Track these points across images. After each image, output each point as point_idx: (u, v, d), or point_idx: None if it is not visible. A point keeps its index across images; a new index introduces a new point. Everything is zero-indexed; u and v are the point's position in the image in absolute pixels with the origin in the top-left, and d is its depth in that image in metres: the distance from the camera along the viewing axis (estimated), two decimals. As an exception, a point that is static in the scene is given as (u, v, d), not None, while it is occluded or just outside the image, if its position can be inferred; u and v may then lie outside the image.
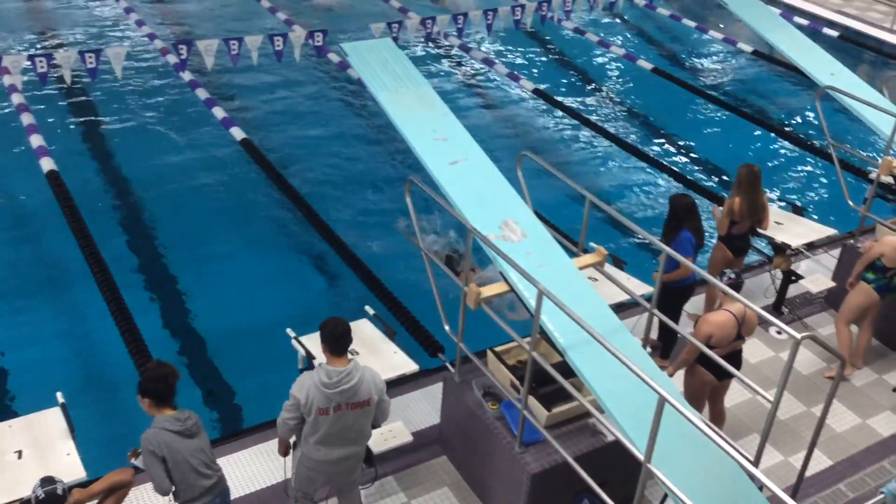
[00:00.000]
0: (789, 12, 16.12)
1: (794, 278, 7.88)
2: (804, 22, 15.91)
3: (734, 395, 6.66)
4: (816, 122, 9.23)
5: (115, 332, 7.07)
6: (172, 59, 10.52)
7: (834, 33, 15.69)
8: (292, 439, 5.13)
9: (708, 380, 5.98)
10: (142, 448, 4.55)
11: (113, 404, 7.06)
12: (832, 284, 7.86)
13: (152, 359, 6.64)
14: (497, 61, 13.70)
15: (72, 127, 11.48)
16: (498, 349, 5.91)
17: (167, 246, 9.27)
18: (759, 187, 7.43)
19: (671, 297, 7.00)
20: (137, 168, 10.63)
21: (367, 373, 4.90)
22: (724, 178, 11.05)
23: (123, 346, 6.91)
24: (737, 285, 5.87)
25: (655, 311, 5.70)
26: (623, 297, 6.14)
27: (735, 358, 5.98)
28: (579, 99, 13.01)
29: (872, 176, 7.99)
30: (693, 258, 6.75)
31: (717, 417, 6.34)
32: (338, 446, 4.93)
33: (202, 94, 11.76)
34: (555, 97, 12.77)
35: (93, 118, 11.75)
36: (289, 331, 5.98)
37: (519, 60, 14.17)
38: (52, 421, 5.24)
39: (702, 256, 7.96)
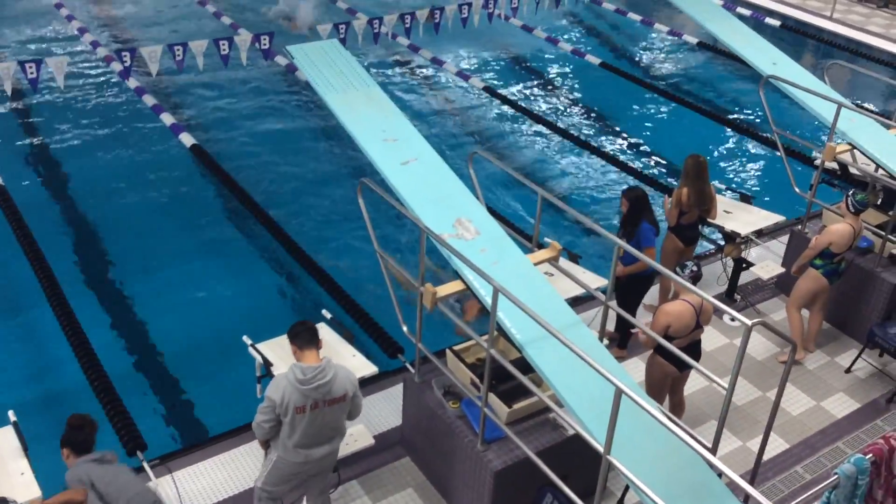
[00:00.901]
0: (732, 3, 16.38)
1: (744, 266, 8.01)
2: (746, 12, 16.19)
3: (691, 384, 6.75)
4: (761, 111, 9.40)
5: (67, 346, 6.94)
6: (117, 66, 10.34)
7: (776, 23, 16.00)
8: None
9: (669, 371, 6.05)
10: (69, 484, 4.47)
11: (62, 419, 6.89)
12: (782, 270, 8.01)
13: (105, 374, 6.58)
14: (446, 60, 13.71)
15: (16, 140, 11.22)
16: (457, 348, 5.91)
17: (118, 257, 9.10)
18: (706, 177, 7.53)
19: (633, 288, 7.18)
20: (85, 178, 10.43)
21: (341, 370, 4.93)
22: (673, 168, 11.18)
23: (76, 362, 6.79)
24: (696, 278, 5.93)
25: (611, 304, 5.75)
26: (579, 290, 6.18)
27: (695, 348, 6.05)
28: (529, 95, 13.08)
29: (817, 162, 8.15)
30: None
31: (677, 407, 6.41)
32: (317, 446, 4.94)
33: (149, 100, 11.62)
34: (505, 94, 12.82)
35: (37, 129, 11.50)
36: (245, 338, 5.91)
37: (468, 59, 14.19)
38: (4, 440, 5.11)
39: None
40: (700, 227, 7.93)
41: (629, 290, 7.17)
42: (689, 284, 5.31)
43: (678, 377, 6.19)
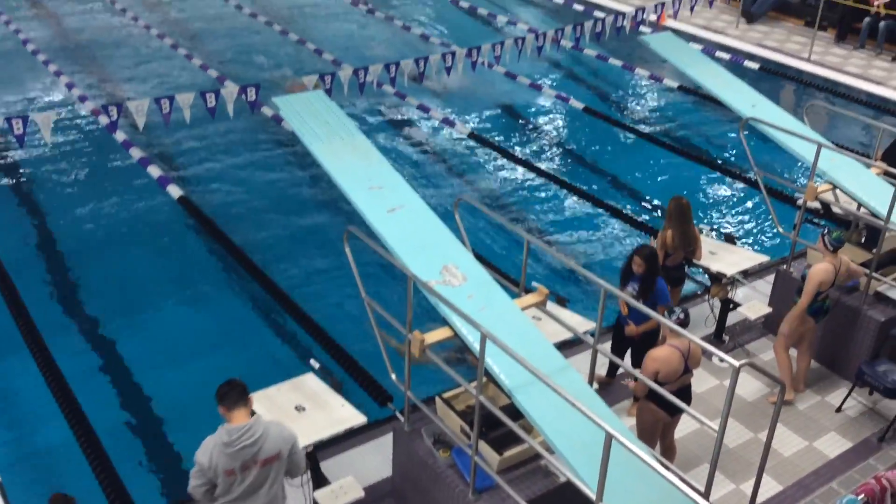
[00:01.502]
0: (711, 48, 16.68)
1: (731, 306, 8.03)
2: (726, 56, 16.47)
3: (682, 427, 6.72)
4: (743, 152, 9.52)
5: (51, 400, 6.88)
6: (104, 119, 10.40)
7: (755, 66, 16.26)
8: None
9: (660, 416, 6.02)
10: None
11: (48, 475, 6.82)
12: (769, 310, 8.03)
13: (91, 429, 6.50)
14: (431, 107, 13.85)
15: (1, 194, 11.22)
16: (446, 395, 5.88)
17: (104, 309, 9.06)
18: (690, 218, 7.59)
19: (648, 345, 6.64)
20: (73, 232, 10.42)
21: (273, 427, 4.79)
22: (658, 210, 11.27)
23: (61, 416, 6.72)
24: (684, 323, 5.93)
25: (599, 348, 5.74)
26: (567, 334, 6.17)
27: (685, 392, 6.04)
28: (514, 140, 13.20)
29: (800, 202, 8.23)
30: None
31: (668, 451, 6.38)
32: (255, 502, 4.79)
33: (136, 153, 11.68)
34: (490, 139, 12.94)
35: (23, 183, 11.51)
36: (231, 390, 5.85)
37: (452, 105, 14.34)
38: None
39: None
40: (686, 268, 7.97)
41: (644, 347, 6.65)
42: (676, 327, 5.32)
43: (669, 422, 6.17)
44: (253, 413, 4.76)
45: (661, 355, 5.83)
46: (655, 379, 5.76)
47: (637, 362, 6.89)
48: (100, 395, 7.82)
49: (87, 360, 8.33)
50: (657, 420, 6.06)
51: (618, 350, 7.31)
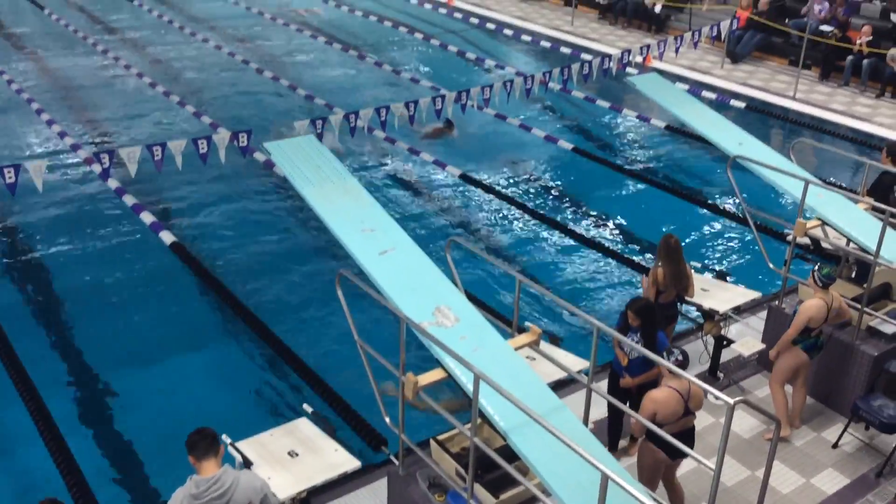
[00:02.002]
0: (697, 88, 16.91)
1: (725, 343, 8.04)
2: (712, 96, 16.70)
3: (682, 465, 6.67)
4: (731, 190, 9.61)
5: (42, 446, 6.82)
6: (97, 167, 10.44)
7: (741, 104, 16.49)
8: None
9: (660, 458, 5.96)
10: None
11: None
12: (763, 346, 8.03)
13: (82, 476, 6.43)
14: (422, 150, 13.96)
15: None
16: (441, 437, 5.85)
17: (95, 354, 9.01)
18: (680, 256, 7.63)
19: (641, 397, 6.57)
20: (64, 280, 10.40)
21: (244, 477, 4.79)
22: (649, 248, 11.31)
23: (51, 460, 6.66)
24: (682, 364, 5.91)
25: (593, 387, 5.73)
26: (561, 374, 6.16)
27: (688, 435, 5.98)
28: (504, 181, 13.29)
29: (789, 238, 8.28)
30: None
31: (673, 491, 6.34)
32: None
33: (129, 200, 11.72)
34: (481, 181, 13.02)
35: (15, 231, 11.51)
36: (224, 436, 5.81)
37: (444, 148, 14.46)
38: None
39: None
40: (678, 305, 7.98)
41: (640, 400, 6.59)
42: (677, 369, 5.27)
43: (670, 465, 6.12)
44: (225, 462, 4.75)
45: (659, 397, 5.80)
46: (654, 420, 5.73)
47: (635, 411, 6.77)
48: (91, 441, 7.76)
49: (78, 407, 8.28)
50: (657, 461, 6.01)
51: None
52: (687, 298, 7.90)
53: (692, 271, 7.88)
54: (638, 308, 6.70)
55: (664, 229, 11.43)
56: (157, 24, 21.51)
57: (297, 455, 5.76)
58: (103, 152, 9.60)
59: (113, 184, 12.03)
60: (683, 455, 5.55)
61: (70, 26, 20.66)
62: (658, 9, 20.89)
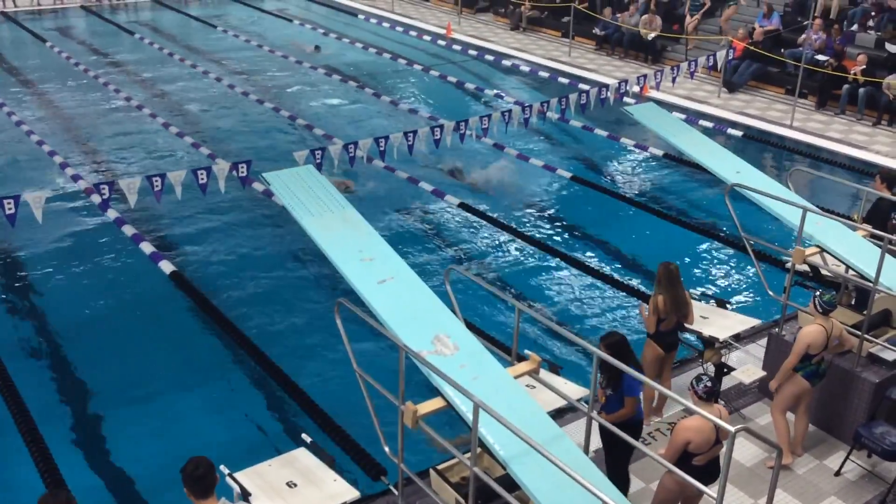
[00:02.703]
0: (694, 117, 17.02)
1: (726, 370, 8.01)
2: (709, 125, 16.81)
3: (681, 494, 6.62)
4: (730, 218, 9.63)
5: (41, 483, 6.76)
6: (97, 198, 10.49)
7: (738, 133, 16.58)
8: None
9: (689, 492, 5.89)
10: None
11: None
12: (763, 374, 8.00)
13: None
14: (420, 180, 14.01)
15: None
16: (440, 467, 5.82)
17: (95, 386, 9.00)
18: (679, 283, 7.63)
19: (619, 444, 6.26)
20: (64, 309, 10.40)
21: None
22: (648, 276, 11.31)
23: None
24: (713, 391, 5.87)
25: (594, 415, 5.70)
26: (562, 402, 6.14)
27: (715, 464, 5.92)
28: (503, 210, 13.32)
29: (788, 265, 8.29)
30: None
31: None
32: None
33: (129, 230, 11.75)
34: (479, 209, 13.06)
35: (15, 263, 11.52)
36: (223, 467, 5.77)
37: (442, 177, 14.52)
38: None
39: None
40: (678, 333, 7.97)
41: (616, 440, 6.09)
42: (689, 402, 5.14)
43: (690, 498, 6.05)
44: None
45: (694, 425, 5.72)
46: (687, 449, 5.70)
47: (609, 459, 6.43)
48: (87, 471, 7.72)
49: (75, 436, 8.25)
50: (683, 489, 5.95)
51: None
52: (687, 325, 7.89)
53: (691, 298, 7.88)
54: (609, 343, 6.36)
55: (663, 257, 11.46)
56: (157, 57, 21.69)
57: (295, 486, 5.72)
58: (103, 183, 9.66)
59: (112, 214, 12.07)
60: (713, 481, 5.53)
61: (71, 59, 20.83)
62: (651, 37, 21.07)
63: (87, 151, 15.48)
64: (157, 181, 9.68)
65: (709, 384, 5.85)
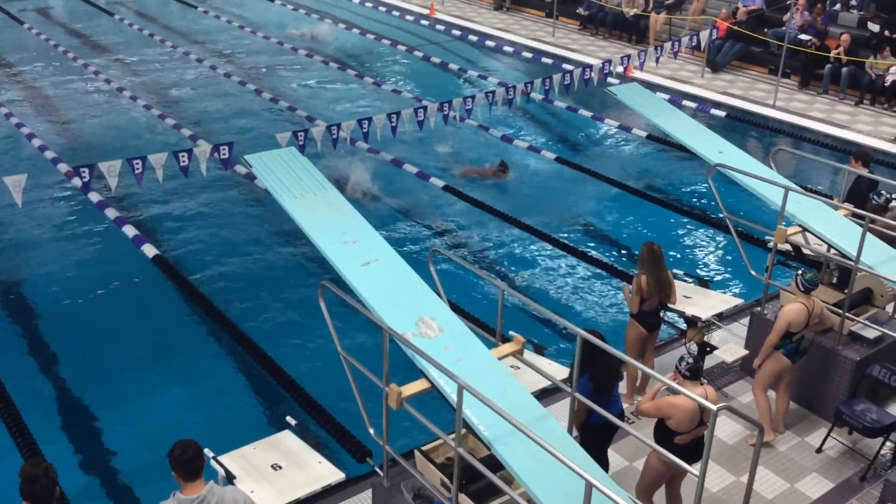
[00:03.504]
0: (677, 97, 17.02)
1: (708, 350, 8.06)
2: (692, 105, 16.82)
3: (664, 472, 6.68)
4: (713, 198, 9.66)
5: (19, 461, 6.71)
6: (78, 181, 10.39)
7: (721, 113, 16.61)
8: None
9: (667, 469, 5.96)
10: None
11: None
12: (746, 352, 8.07)
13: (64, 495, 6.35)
14: (405, 162, 13.96)
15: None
16: (425, 448, 5.83)
17: (78, 371, 8.95)
18: (662, 263, 7.66)
19: (591, 437, 6.32)
20: (46, 295, 10.32)
21: (229, 495, 4.75)
22: (631, 256, 11.35)
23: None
24: (696, 370, 5.91)
25: (577, 395, 5.72)
26: (546, 382, 6.16)
27: (698, 445, 5.92)
28: (487, 192, 13.30)
29: (770, 245, 8.34)
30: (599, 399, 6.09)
31: (675, 501, 6.35)
32: None
33: (111, 213, 11.67)
34: (463, 192, 13.04)
35: (-7, 247, 11.43)
36: (207, 451, 5.76)
37: (426, 159, 14.46)
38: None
39: (615, 335, 8.08)
40: (661, 313, 8.01)
41: (585, 443, 6.02)
42: (674, 385, 5.09)
43: (675, 475, 6.12)
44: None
45: (682, 404, 5.76)
46: (667, 427, 5.79)
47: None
48: (72, 455, 7.70)
49: (58, 421, 8.22)
50: (662, 473, 6.00)
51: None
52: (669, 305, 7.93)
53: (674, 278, 7.91)
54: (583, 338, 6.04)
55: (646, 237, 11.50)
56: (138, 38, 21.44)
57: (280, 468, 5.73)
58: (84, 166, 9.55)
59: (94, 197, 11.97)
60: (696, 459, 5.57)
61: (50, 41, 20.56)
62: (632, 14, 20.98)
63: (67, 134, 15.31)
64: (137, 164, 9.59)
65: (691, 362, 5.89)
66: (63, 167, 12.74)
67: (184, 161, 9.84)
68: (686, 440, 5.82)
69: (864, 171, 9.25)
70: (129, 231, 11.23)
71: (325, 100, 17.52)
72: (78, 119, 16.01)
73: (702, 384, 5.98)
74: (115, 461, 7.73)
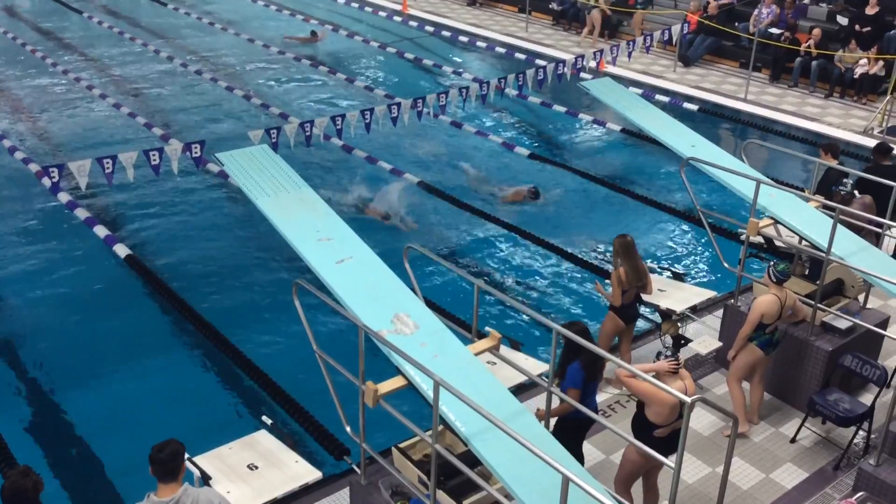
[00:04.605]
0: (650, 91, 17.11)
1: (683, 342, 8.11)
2: (665, 99, 16.91)
3: (641, 465, 6.71)
4: (686, 192, 9.72)
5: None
6: (47, 181, 10.25)
7: (693, 107, 16.72)
8: None
9: (646, 461, 6.00)
10: None
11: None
12: (720, 344, 8.13)
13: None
14: (379, 159, 13.91)
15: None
16: (402, 445, 5.81)
17: (49, 373, 8.85)
18: (636, 253, 7.70)
19: (568, 430, 6.39)
20: (16, 297, 10.18)
21: (204, 497, 4.71)
22: (607, 252, 11.38)
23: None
24: (677, 366, 5.94)
25: (554, 389, 5.73)
26: (522, 378, 6.16)
27: (675, 437, 5.99)
28: (461, 188, 13.29)
29: (743, 238, 8.40)
30: (583, 389, 6.26)
31: (650, 492, 6.38)
32: None
33: (82, 213, 11.53)
34: (438, 188, 13.02)
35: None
36: (182, 452, 5.71)
37: (400, 156, 14.43)
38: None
39: (593, 328, 8.12)
40: (638, 305, 8.05)
41: (560, 436, 5.96)
42: (652, 379, 5.13)
43: (653, 467, 6.15)
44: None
45: (668, 399, 5.78)
46: (650, 419, 5.84)
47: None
48: (42, 457, 7.59)
49: (30, 422, 8.13)
50: (645, 463, 6.03)
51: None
52: (645, 298, 7.97)
53: (646, 267, 7.92)
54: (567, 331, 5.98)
55: (620, 231, 11.54)
56: (107, 36, 21.20)
57: (256, 468, 5.69)
58: (52, 166, 9.41)
59: (64, 198, 11.82)
60: (672, 451, 5.64)
61: (17, 39, 20.27)
62: (594, 10, 20.97)
63: (36, 134, 15.10)
64: (107, 163, 9.47)
65: (669, 355, 5.92)
66: (33, 167, 12.57)
67: (154, 160, 9.73)
68: (665, 433, 5.85)
69: (833, 163, 9.34)
70: (101, 231, 11.11)
71: (297, 97, 17.42)
72: (47, 118, 15.79)
73: (682, 380, 6.02)
74: (87, 462, 7.64)
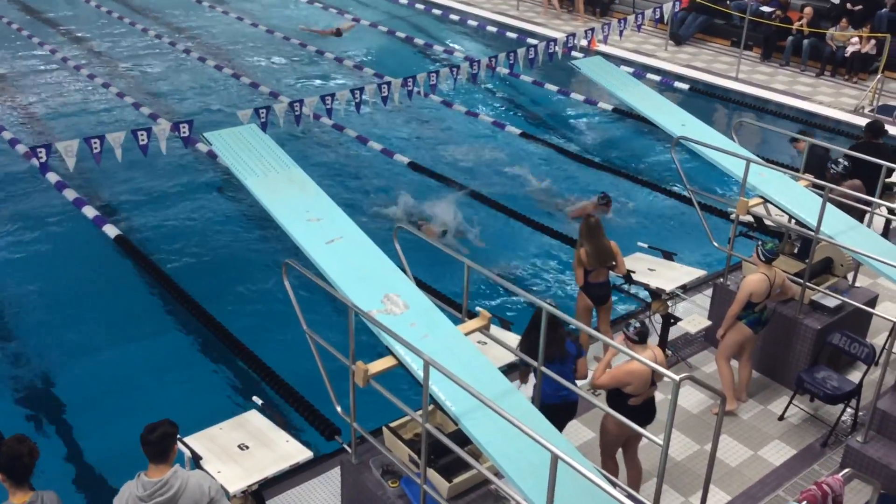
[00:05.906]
0: (642, 70, 17.07)
1: (672, 321, 8.14)
2: (656, 78, 16.88)
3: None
4: (676, 171, 9.71)
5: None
6: (35, 162, 10.18)
7: (685, 86, 16.69)
8: None
9: (624, 431, 6.04)
10: None
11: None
12: (709, 323, 8.16)
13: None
14: (369, 139, 13.86)
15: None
16: (393, 424, 5.83)
17: (40, 354, 8.82)
18: (601, 234, 7.70)
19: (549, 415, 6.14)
20: (6, 278, 10.13)
21: (193, 479, 4.71)
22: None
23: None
24: (643, 333, 5.99)
25: (543, 368, 5.75)
26: (512, 357, 6.18)
27: (651, 405, 6.10)
28: (452, 168, 13.26)
29: (732, 217, 8.41)
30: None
31: (633, 469, 6.43)
32: None
33: (70, 194, 11.46)
34: (429, 168, 12.99)
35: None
36: (172, 432, 5.71)
37: (391, 136, 14.38)
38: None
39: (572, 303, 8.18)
40: (627, 286, 8.07)
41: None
42: (622, 348, 5.22)
43: (633, 436, 6.21)
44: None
45: (637, 369, 5.85)
46: (622, 391, 5.90)
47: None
48: (35, 439, 7.55)
49: (22, 404, 8.12)
50: (621, 434, 6.09)
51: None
52: (634, 278, 8.00)
53: (617, 247, 7.88)
54: (535, 315, 6.12)
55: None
56: (94, 15, 21.00)
57: (247, 448, 5.70)
58: (41, 146, 9.34)
59: (53, 178, 11.75)
60: (649, 423, 5.84)
61: (3, 18, 20.05)
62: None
63: (23, 114, 14.98)
64: (95, 143, 9.41)
65: (638, 325, 5.95)
66: (21, 148, 12.48)
67: (143, 140, 9.65)
68: (639, 402, 5.93)
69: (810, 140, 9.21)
70: (90, 212, 11.06)
71: (287, 76, 17.32)
72: (34, 99, 15.66)
73: (650, 347, 6.04)
74: (78, 442, 7.64)
